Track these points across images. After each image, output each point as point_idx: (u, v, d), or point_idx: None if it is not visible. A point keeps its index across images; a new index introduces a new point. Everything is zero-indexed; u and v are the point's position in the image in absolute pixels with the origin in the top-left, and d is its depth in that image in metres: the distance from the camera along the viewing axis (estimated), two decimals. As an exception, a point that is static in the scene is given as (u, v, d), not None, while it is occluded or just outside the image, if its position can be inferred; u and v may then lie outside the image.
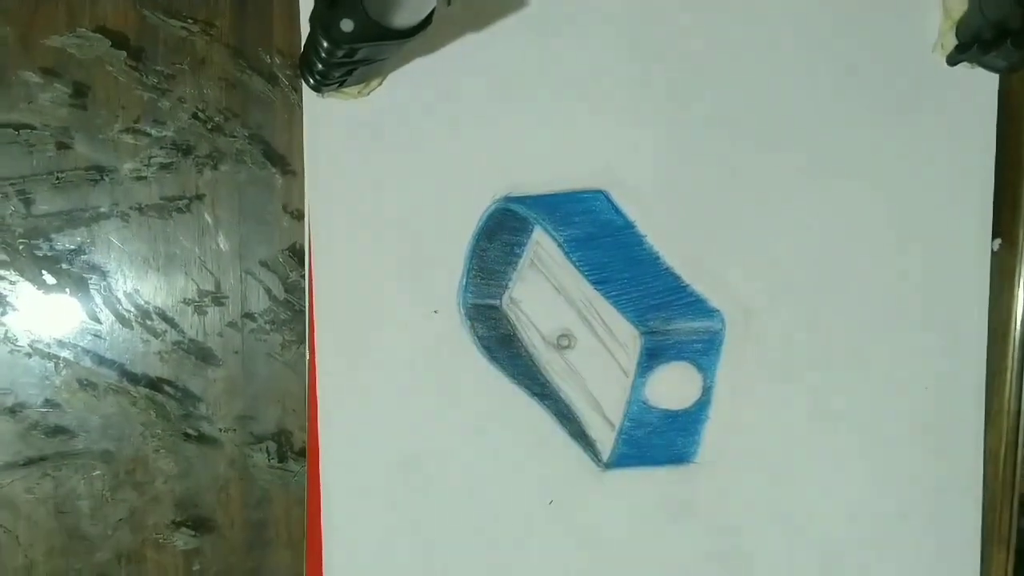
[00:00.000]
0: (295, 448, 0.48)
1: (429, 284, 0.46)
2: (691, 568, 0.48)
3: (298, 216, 0.47)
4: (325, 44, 0.36)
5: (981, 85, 0.46)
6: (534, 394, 0.47)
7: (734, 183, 0.46)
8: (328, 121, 0.45)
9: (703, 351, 0.47)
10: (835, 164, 0.46)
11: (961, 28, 0.44)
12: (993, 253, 0.48)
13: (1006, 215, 0.48)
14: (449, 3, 0.36)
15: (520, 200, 0.45)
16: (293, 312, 0.48)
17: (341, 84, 0.42)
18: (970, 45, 0.42)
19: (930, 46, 0.46)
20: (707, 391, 0.47)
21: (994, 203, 0.47)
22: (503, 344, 0.46)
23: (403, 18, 0.36)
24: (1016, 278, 0.49)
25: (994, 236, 0.48)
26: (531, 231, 0.46)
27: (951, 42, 0.45)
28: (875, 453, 0.48)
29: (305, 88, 0.44)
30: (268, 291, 0.48)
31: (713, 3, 0.45)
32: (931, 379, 0.48)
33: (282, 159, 0.47)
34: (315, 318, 0.45)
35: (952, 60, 0.45)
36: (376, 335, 0.46)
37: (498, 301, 0.46)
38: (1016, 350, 0.49)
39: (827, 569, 0.49)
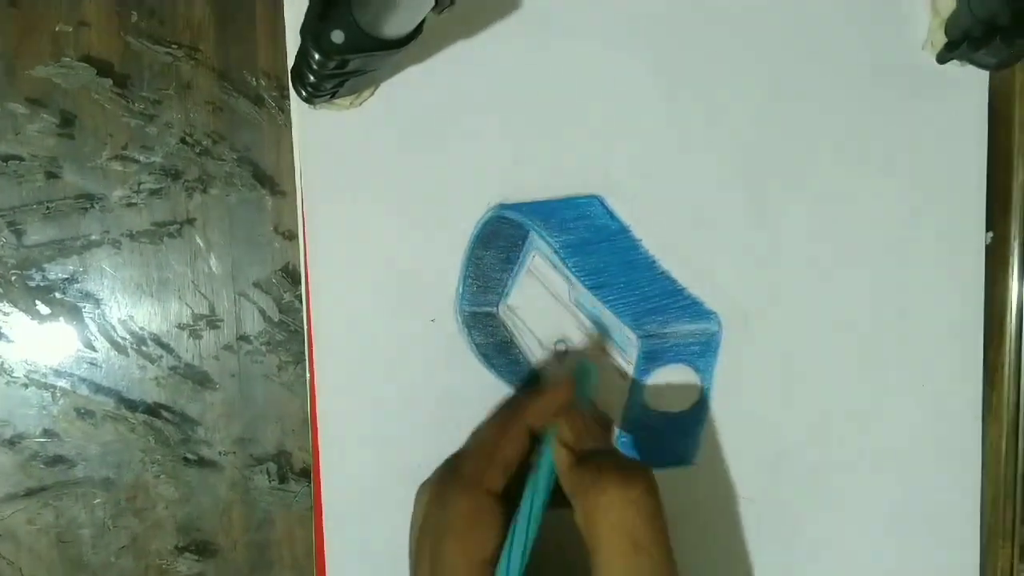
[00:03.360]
0: (295, 469, 0.47)
1: (426, 294, 0.44)
2: (691, 569, 0.47)
3: (289, 236, 0.46)
4: (316, 56, 0.34)
5: (971, 82, 0.45)
6: None
7: (727, 186, 0.45)
8: (319, 134, 0.43)
9: (700, 353, 0.46)
10: (828, 163, 0.45)
11: (950, 26, 0.43)
12: (985, 247, 0.47)
13: (997, 208, 0.47)
14: (440, 12, 0.35)
15: (515, 207, 0.44)
16: (288, 333, 0.46)
17: (333, 95, 0.41)
18: (960, 43, 0.41)
19: (919, 44, 0.45)
20: (705, 393, 0.46)
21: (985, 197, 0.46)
22: (501, 351, 0.45)
23: (394, 28, 0.35)
24: (1009, 271, 0.48)
25: (986, 230, 0.46)
26: (526, 237, 0.45)
27: (940, 40, 0.43)
28: (874, 451, 0.47)
29: (295, 100, 0.43)
30: (262, 313, 0.46)
31: (706, 5, 0.44)
32: (929, 375, 0.47)
33: (271, 180, 0.45)
34: (313, 333, 0.44)
35: (942, 58, 0.44)
36: (374, 347, 0.45)
37: (495, 308, 0.45)
38: (1012, 343, 0.48)
39: (827, 567, 0.48)
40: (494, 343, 0.45)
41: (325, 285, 0.44)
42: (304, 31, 0.34)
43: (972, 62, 0.43)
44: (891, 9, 0.44)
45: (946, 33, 0.43)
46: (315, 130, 0.43)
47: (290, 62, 0.41)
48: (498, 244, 0.44)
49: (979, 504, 0.48)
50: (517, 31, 0.43)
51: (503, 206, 0.44)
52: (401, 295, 0.44)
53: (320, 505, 0.45)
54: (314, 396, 0.45)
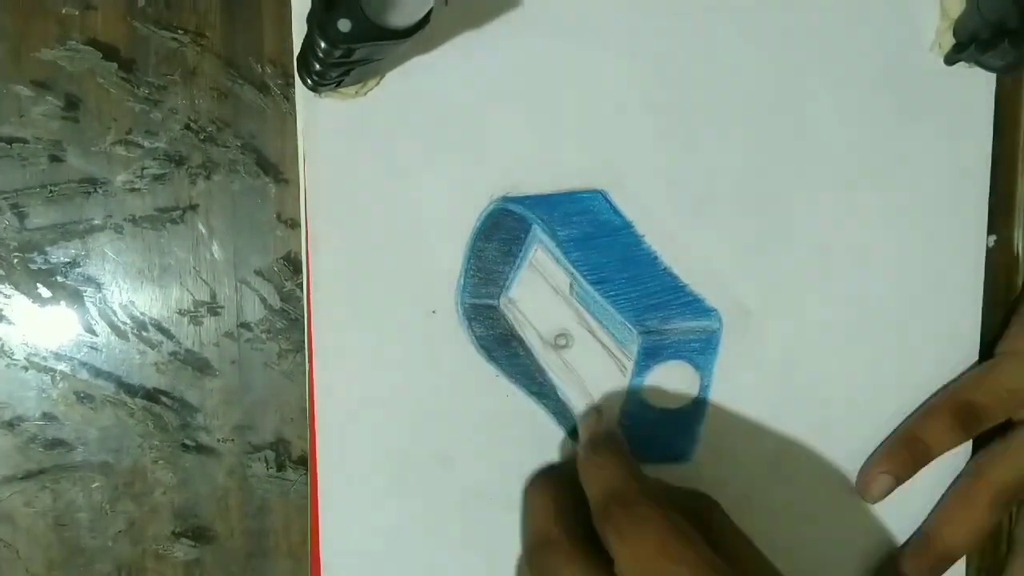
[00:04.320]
0: (293, 457, 0.46)
1: (427, 285, 0.44)
2: None
3: (292, 225, 0.45)
4: (322, 44, 0.34)
5: (978, 85, 0.44)
6: (532, 393, 0.45)
7: (732, 183, 0.44)
8: (323, 122, 0.43)
9: (700, 350, 0.45)
10: (832, 163, 0.45)
11: (958, 28, 0.42)
12: (987, 250, 0.46)
13: (1000, 210, 0.47)
14: (447, 2, 0.35)
15: (518, 200, 0.44)
16: (289, 321, 0.46)
17: (338, 84, 0.41)
18: (967, 45, 0.41)
19: (927, 46, 0.44)
20: (704, 390, 0.46)
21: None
22: (501, 344, 0.45)
23: (401, 18, 0.34)
24: (1011, 274, 0.48)
25: (988, 233, 0.46)
26: (529, 231, 0.44)
27: (948, 42, 0.43)
28: (872, 452, 0.47)
29: (300, 89, 0.42)
30: (264, 300, 0.46)
31: (712, 3, 0.44)
32: (928, 376, 0.46)
33: (275, 168, 0.45)
34: (312, 322, 0.44)
35: (949, 60, 0.43)
36: (374, 337, 0.44)
37: (496, 301, 0.45)
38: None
39: (825, 567, 0.47)
40: (494, 335, 0.45)
41: (325, 274, 0.43)
42: (310, 19, 0.34)
43: (980, 64, 0.42)
44: (899, 9, 0.44)
45: (954, 35, 0.42)
46: (319, 118, 0.43)
47: (296, 49, 0.41)
48: (500, 236, 0.44)
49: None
50: (524, 24, 0.43)
51: (506, 199, 0.44)
52: (402, 286, 0.44)
53: (316, 494, 0.44)
54: (312, 385, 0.44)
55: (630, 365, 0.45)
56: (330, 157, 0.43)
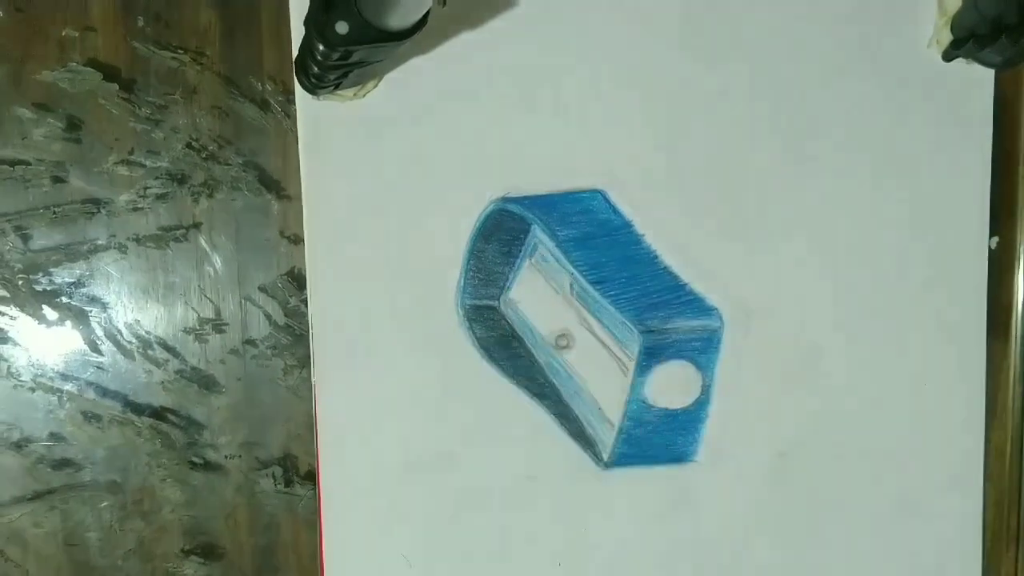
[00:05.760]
0: (301, 472, 0.45)
1: (428, 285, 0.43)
2: (691, 567, 0.46)
3: (295, 241, 0.44)
4: (320, 47, 0.33)
5: (977, 81, 0.43)
6: (533, 394, 0.44)
7: (731, 181, 0.44)
8: (322, 124, 0.42)
9: (702, 349, 0.44)
10: (832, 162, 0.44)
11: (956, 23, 0.41)
12: (990, 251, 0.45)
13: (1003, 212, 0.46)
14: (444, 4, 0.34)
15: (518, 200, 0.43)
16: (294, 337, 0.45)
17: (337, 86, 0.40)
18: (965, 40, 0.40)
19: (925, 42, 0.43)
20: (706, 390, 0.45)
21: (991, 200, 0.45)
22: (502, 345, 0.44)
23: (398, 20, 0.34)
24: (1015, 274, 0.46)
25: (991, 234, 0.45)
26: (529, 231, 0.43)
27: (947, 38, 0.42)
28: (875, 451, 0.46)
29: (299, 91, 0.41)
30: (268, 317, 0.45)
31: (710, 4, 0.43)
32: (931, 376, 0.45)
33: (277, 184, 0.44)
34: (313, 323, 0.43)
35: (948, 56, 0.42)
36: (375, 344, 0.43)
37: (496, 302, 0.44)
38: (1017, 346, 0.47)
39: (827, 568, 0.46)
40: (495, 336, 0.44)
41: (325, 283, 0.43)
42: (308, 21, 0.33)
43: (978, 60, 0.41)
44: (898, 6, 0.43)
45: (952, 31, 0.41)
46: (318, 120, 0.42)
47: (295, 53, 0.40)
48: (500, 237, 0.43)
49: (981, 506, 0.46)
50: (521, 24, 0.42)
51: (506, 199, 0.43)
52: (402, 290, 0.43)
53: (322, 507, 0.44)
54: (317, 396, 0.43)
55: (631, 365, 0.44)
56: (328, 159, 0.42)
